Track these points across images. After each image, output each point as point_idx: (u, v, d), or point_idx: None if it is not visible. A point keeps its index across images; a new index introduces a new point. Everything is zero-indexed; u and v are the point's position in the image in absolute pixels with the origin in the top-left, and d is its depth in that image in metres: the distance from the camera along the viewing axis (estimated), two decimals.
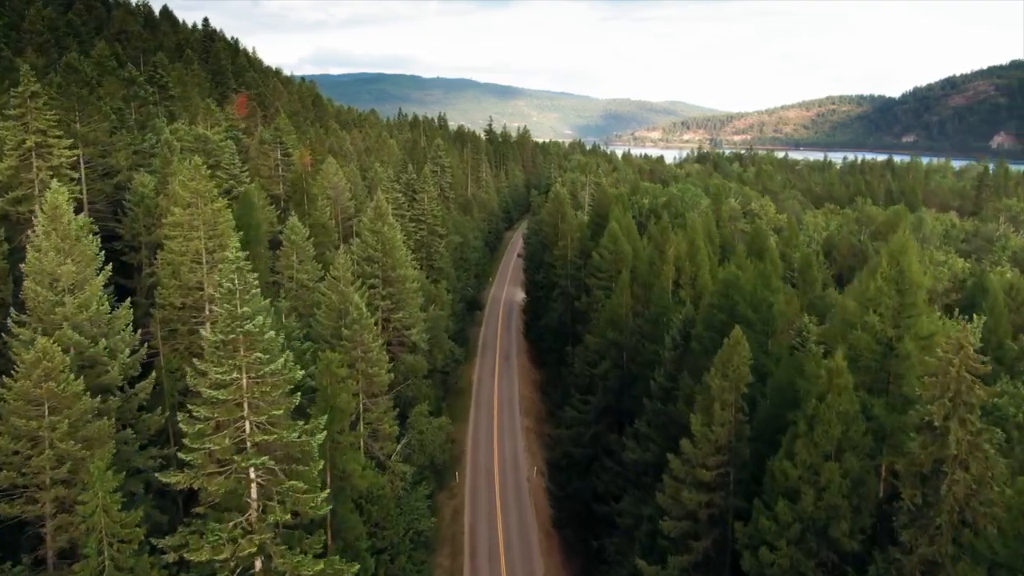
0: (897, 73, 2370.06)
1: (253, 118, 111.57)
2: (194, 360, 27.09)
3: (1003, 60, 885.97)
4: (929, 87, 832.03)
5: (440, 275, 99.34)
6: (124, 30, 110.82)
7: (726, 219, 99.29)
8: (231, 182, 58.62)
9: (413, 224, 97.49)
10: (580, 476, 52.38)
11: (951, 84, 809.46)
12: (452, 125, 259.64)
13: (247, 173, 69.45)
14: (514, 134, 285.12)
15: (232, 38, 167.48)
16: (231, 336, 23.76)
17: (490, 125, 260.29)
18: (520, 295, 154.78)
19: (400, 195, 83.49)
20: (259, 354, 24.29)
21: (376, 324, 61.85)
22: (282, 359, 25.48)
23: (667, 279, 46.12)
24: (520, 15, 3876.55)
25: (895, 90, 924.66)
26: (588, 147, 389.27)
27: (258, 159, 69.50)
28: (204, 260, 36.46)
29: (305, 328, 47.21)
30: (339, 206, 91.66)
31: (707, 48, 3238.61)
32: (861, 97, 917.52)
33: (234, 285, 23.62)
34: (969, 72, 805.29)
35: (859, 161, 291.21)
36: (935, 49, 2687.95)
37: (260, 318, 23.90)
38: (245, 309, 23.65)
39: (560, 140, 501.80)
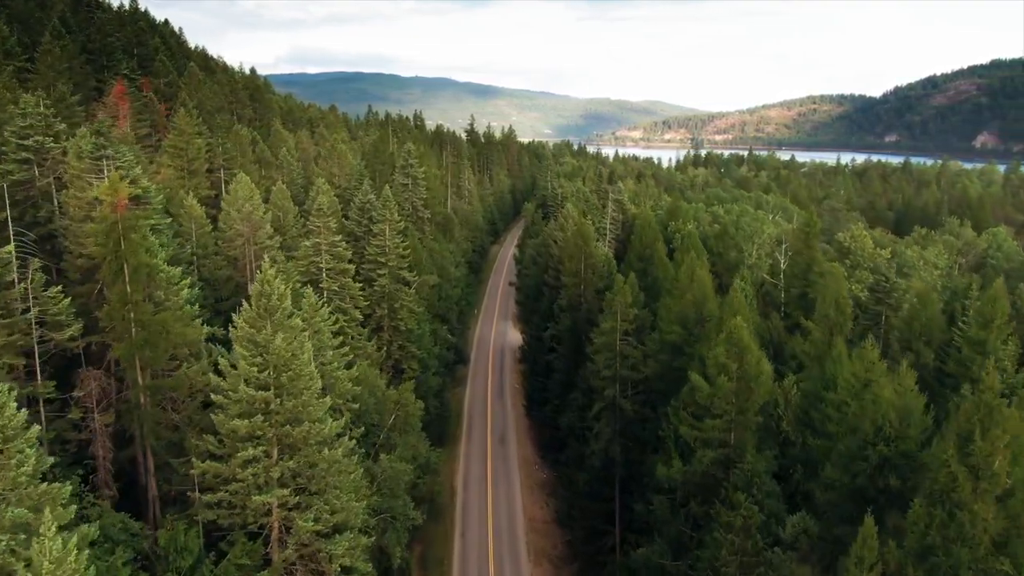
0: (875, 75, 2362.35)
1: (147, 116, 79.23)
2: None
3: (983, 59, 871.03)
4: (910, 86, 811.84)
5: (406, 341, 67.71)
6: None
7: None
8: None
9: (368, 268, 66.00)
10: None
11: (932, 84, 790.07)
12: (430, 124, 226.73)
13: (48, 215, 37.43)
14: (498, 134, 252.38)
15: (163, 20, 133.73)
16: None
17: (471, 124, 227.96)
18: (513, 334, 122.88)
19: (340, 240, 51.65)
20: None
21: (262, 537, 30.18)
22: None
23: None
24: (499, 14, 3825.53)
25: (875, 91, 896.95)
26: (575, 147, 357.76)
27: (72, 189, 37.52)
28: None
29: None
30: (252, 249, 59.73)
31: (686, 48, 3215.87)
32: (842, 96, 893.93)
33: None
34: (950, 72, 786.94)
35: (870, 163, 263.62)
36: (915, 50, 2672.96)
37: None
38: None
39: (541, 140, 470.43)
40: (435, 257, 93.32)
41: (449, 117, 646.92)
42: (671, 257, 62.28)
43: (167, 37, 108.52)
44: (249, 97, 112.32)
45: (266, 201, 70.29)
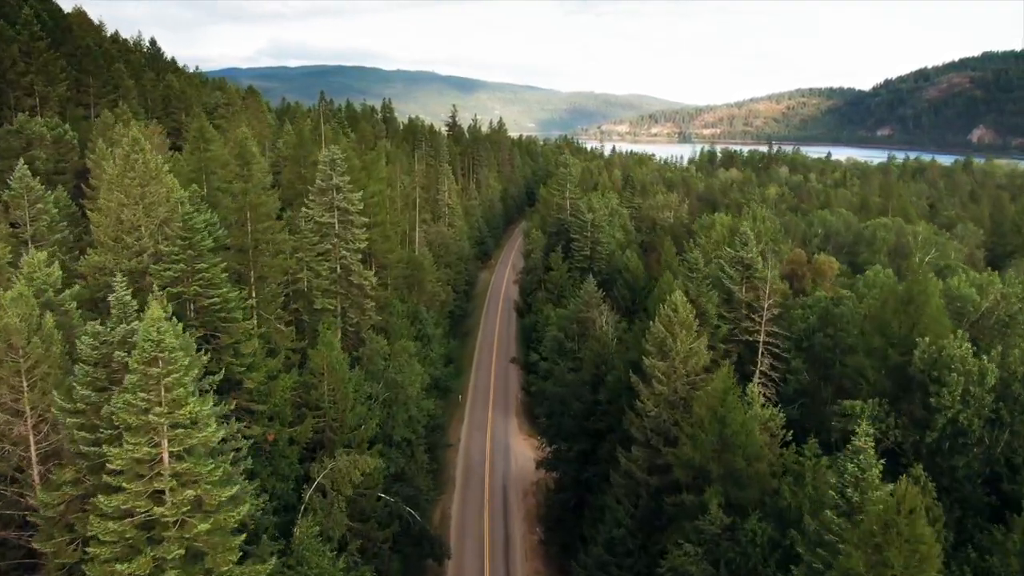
0: (862, 69, 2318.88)
1: None
2: None
3: (974, 52, 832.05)
4: (901, 79, 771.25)
5: None
6: None
7: None
8: None
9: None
10: None
11: (924, 77, 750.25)
12: (407, 118, 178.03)
13: None
14: (485, 128, 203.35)
15: None
16: None
17: (454, 116, 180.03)
18: (521, 449, 75.22)
19: None
20: None
21: None
22: None
23: None
24: (482, 7, 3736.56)
25: (864, 85, 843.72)
26: (568, 143, 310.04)
27: None
28: None
29: None
30: None
31: (670, 41, 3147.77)
32: (831, 90, 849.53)
33: None
34: (941, 64, 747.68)
35: (924, 161, 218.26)
36: (904, 44, 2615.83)
37: None
38: None
39: (527, 135, 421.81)
40: (387, 375, 46.00)
41: (431, 111, 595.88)
42: None
43: None
44: (74, 67, 63.74)
45: None
